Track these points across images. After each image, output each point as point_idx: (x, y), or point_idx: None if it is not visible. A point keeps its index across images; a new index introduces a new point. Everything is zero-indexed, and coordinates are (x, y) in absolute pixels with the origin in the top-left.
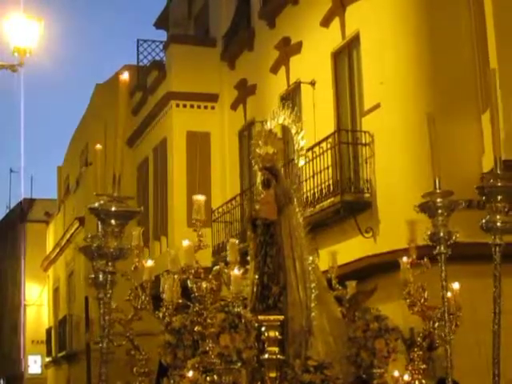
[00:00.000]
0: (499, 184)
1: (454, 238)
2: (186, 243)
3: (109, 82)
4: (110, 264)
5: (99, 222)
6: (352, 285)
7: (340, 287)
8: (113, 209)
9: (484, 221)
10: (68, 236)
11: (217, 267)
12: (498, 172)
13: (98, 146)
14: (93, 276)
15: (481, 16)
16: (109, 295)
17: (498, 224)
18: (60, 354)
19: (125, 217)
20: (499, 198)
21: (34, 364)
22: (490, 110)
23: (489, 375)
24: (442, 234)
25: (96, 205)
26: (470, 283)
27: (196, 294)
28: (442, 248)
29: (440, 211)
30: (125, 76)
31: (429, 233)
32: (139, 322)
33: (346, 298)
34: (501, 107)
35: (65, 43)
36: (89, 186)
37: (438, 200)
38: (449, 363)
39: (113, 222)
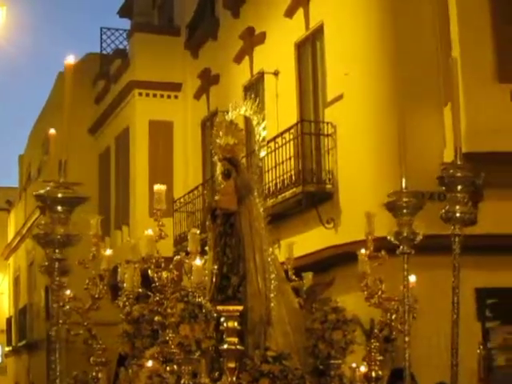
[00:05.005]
0: (459, 174)
1: (418, 238)
2: (147, 233)
3: None
4: (57, 251)
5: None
6: (308, 276)
7: (296, 278)
8: (59, 195)
9: (444, 211)
10: (29, 224)
11: (178, 257)
12: (458, 162)
13: (52, 131)
14: (46, 264)
15: (444, 7)
16: (56, 282)
17: (458, 214)
18: (20, 344)
19: (71, 203)
20: (459, 188)
21: None
22: (451, 101)
23: (447, 365)
24: (405, 234)
25: (42, 191)
26: (427, 275)
27: (156, 284)
28: (406, 248)
29: (405, 211)
30: (69, 59)
31: (394, 231)
32: (97, 311)
33: (303, 289)
34: (462, 98)
35: (27, 31)
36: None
37: (404, 199)
38: (407, 357)
39: (59, 208)
